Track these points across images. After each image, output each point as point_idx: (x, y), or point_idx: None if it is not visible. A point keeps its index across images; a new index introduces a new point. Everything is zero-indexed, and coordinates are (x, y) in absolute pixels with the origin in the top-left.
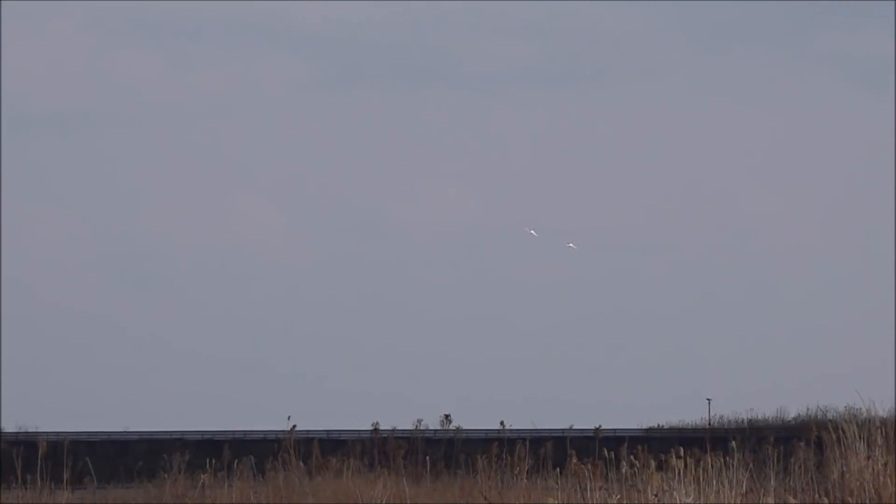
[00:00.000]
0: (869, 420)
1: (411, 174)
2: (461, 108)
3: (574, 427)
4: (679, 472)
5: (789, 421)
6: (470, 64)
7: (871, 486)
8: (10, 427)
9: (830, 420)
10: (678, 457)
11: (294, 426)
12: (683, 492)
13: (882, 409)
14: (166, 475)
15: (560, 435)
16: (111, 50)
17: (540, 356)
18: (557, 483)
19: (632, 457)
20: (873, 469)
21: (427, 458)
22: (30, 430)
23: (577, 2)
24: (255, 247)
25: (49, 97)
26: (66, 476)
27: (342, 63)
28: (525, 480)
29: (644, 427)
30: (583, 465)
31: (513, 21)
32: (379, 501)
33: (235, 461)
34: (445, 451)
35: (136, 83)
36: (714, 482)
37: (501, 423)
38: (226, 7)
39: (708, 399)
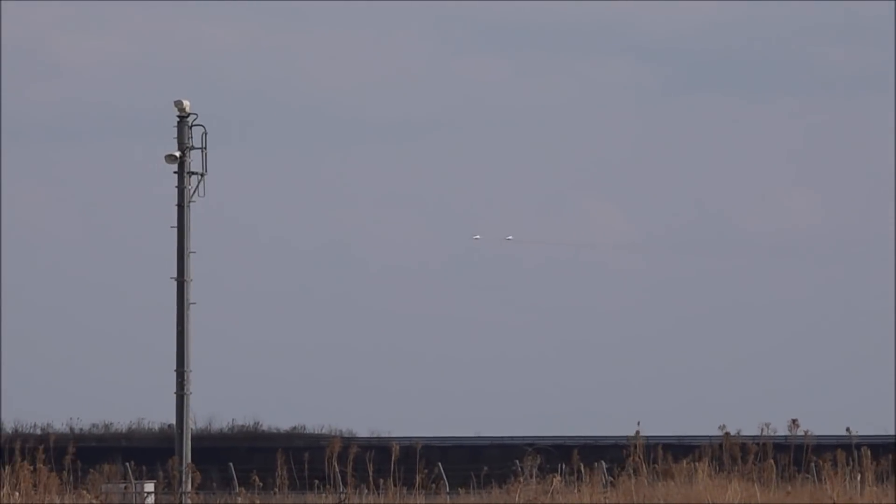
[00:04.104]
0: None
1: (762, 182)
2: (807, 114)
3: None
4: None
5: None
6: (814, 69)
7: None
8: (363, 432)
9: None
10: None
11: (639, 431)
12: None
13: None
14: (517, 480)
15: None
16: (456, 56)
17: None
18: None
19: None
20: None
21: (776, 462)
22: (382, 434)
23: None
24: (600, 251)
25: (393, 104)
26: (417, 481)
27: (685, 69)
28: (874, 487)
29: None
30: None
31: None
32: None
33: (585, 466)
34: (794, 455)
35: (482, 89)
36: None
37: (847, 429)
38: (569, 11)
39: None
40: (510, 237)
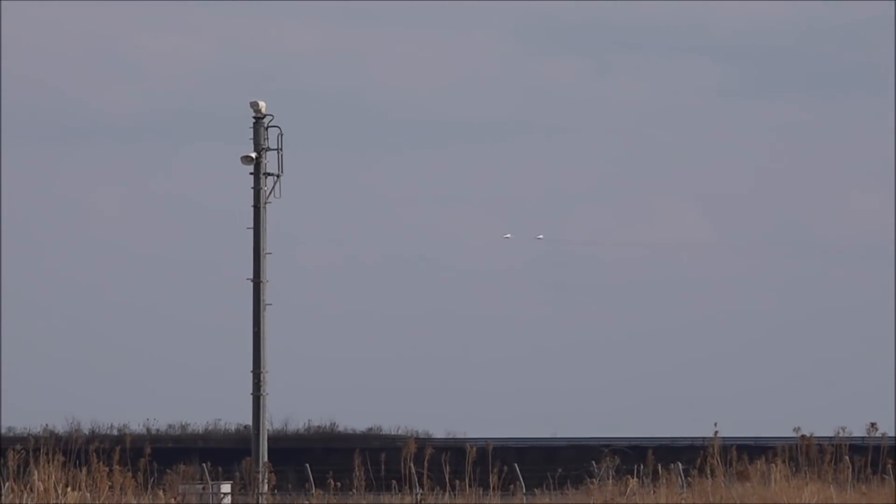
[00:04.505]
0: None
1: (838, 185)
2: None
3: None
4: None
5: None
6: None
7: None
8: (439, 433)
9: None
10: None
11: (717, 432)
12: None
13: None
14: (593, 481)
15: None
16: (533, 56)
17: None
18: None
19: None
20: None
21: (852, 464)
22: (458, 435)
23: None
24: (678, 253)
25: (470, 105)
26: (492, 482)
27: (761, 69)
28: None
29: None
30: None
31: None
32: None
33: (661, 467)
34: (872, 457)
35: (560, 89)
36: None
37: None
38: (646, 10)
39: None
40: (540, 236)
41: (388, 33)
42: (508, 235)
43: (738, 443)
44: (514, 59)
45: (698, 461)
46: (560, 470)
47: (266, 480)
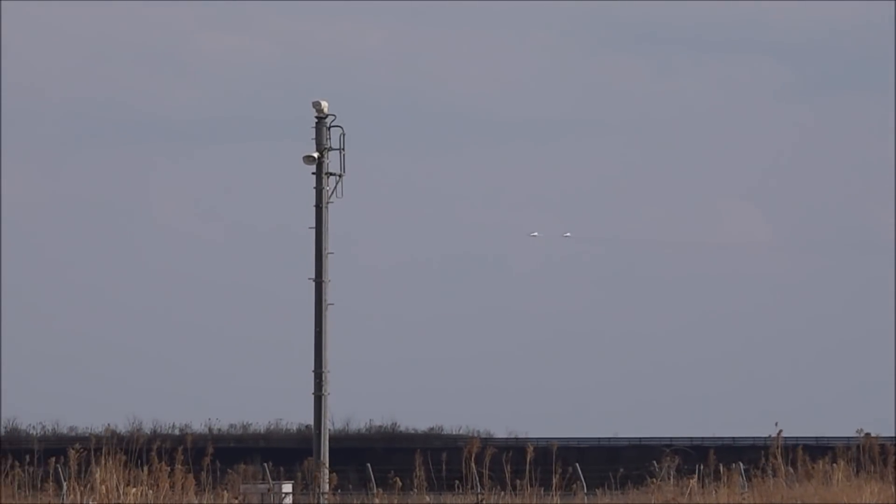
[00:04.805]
0: None
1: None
2: None
3: None
4: None
5: None
6: None
7: None
8: (501, 433)
9: None
10: None
11: (780, 431)
12: None
13: None
14: (654, 481)
15: None
16: (595, 56)
17: None
18: None
19: None
20: None
21: None
22: (520, 435)
23: None
24: (739, 253)
25: (532, 104)
26: (554, 481)
27: (825, 68)
28: None
29: None
30: None
31: None
32: None
33: (722, 466)
34: None
35: (621, 90)
36: None
37: None
38: (708, 10)
39: None
40: (568, 234)
41: (447, 33)
42: (536, 234)
43: (799, 442)
44: (575, 58)
45: (759, 461)
46: (622, 469)
47: (327, 480)
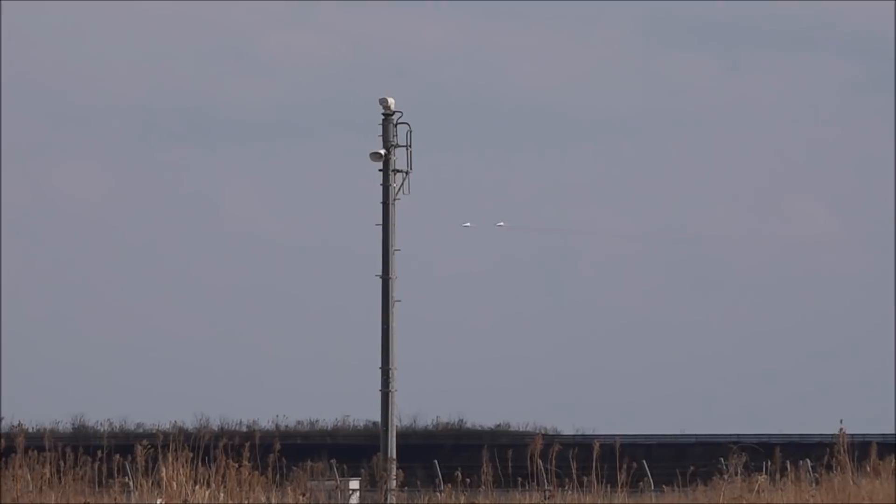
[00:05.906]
0: None
1: None
2: None
3: None
4: None
5: None
6: None
7: None
8: (568, 430)
9: None
10: None
11: (843, 429)
12: None
13: None
14: (722, 478)
15: None
16: (664, 53)
17: None
18: None
19: None
20: None
21: None
22: (587, 432)
23: None
24: (808, 248)
25: (601, 101)
26: (620, 479)
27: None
28: None
29: None
30: None
31: None
32: None
33: (789, 464)
34: None
35: (691, 87)
36: None
37: None
38: (776, 7)
39: None
40: (501, 223)
41: (515, 30)
42: (468, 224)
43: (867, 440)
44: (644, 55)
45: (826, 458)
46: (690, 467)
47: (394, 477)
